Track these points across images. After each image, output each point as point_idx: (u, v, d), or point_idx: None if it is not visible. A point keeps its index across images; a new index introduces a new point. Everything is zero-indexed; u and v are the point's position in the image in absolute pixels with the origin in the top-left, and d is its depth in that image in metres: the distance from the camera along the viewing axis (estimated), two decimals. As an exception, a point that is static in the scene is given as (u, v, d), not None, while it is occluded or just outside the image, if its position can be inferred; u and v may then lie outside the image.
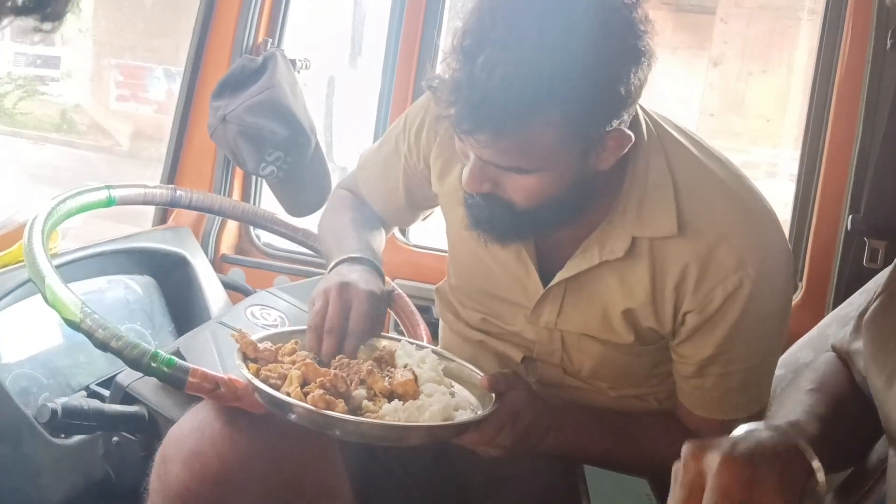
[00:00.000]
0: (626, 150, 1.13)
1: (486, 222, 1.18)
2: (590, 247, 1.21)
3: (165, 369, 1.22)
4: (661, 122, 1.24)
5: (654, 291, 1.20)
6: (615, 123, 1.09)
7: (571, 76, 1.01)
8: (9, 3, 0.51)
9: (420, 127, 1.38)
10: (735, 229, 1.17)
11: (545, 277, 1.26)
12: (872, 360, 0.93)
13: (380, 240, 1.47)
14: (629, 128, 1.12)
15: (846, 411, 0.98)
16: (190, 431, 1.22)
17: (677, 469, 0.81)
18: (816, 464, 0.82)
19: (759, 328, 1.21)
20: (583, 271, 1.22)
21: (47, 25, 0.54)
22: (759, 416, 1.24)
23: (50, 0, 0.54)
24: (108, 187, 1.63)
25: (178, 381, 1.22)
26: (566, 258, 1.24)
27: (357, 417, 1.06)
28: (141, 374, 1.37)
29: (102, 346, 1.25)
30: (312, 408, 1.04)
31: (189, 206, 1.85)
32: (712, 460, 0.77)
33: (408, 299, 1.56)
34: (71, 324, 1.27)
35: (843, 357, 1.06)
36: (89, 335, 1.26)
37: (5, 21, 0.53)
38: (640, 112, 1.19)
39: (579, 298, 1.25)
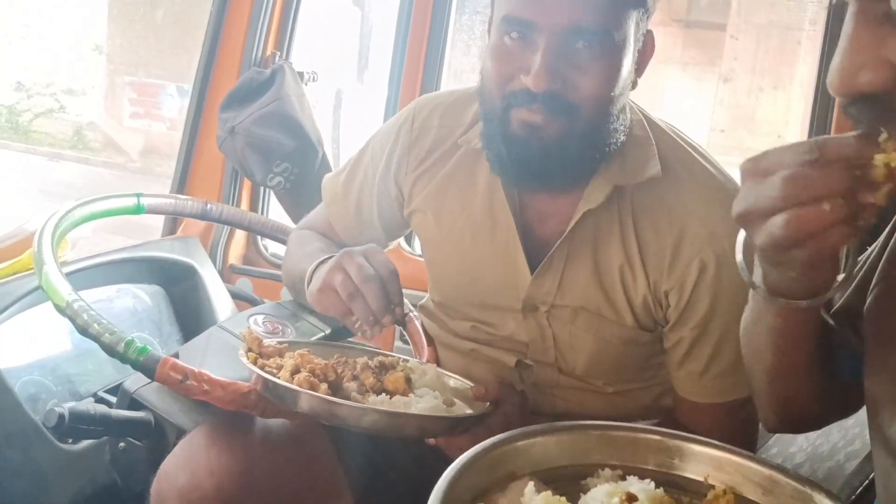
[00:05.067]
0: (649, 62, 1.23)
1: (532, 153, 1.18)
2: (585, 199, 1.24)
3: (138, 357, 1.24)
4: (643, 110, 1.30)
5: (642, 252, 1.23)
6: (649, 19, 1.19)
7: None
8: None
9: (392, 149, 1.39)
10: (705, 204, 1.21)
11: (533, 268, 1.28)
12: (874, 357, 0.89)
13: None
14: None
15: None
16: (184, 464, 1.23)
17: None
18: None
19: (742, 306, 1.22)
20: (582, 231, 1.24)
21: None
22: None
23: None
24: (137, 195, 1.67)
25: (148, 370, 1.24)
26: (553, 239, 1.26)
27: (338, 399, 1.07)
28: (148, 381, 1.39)
29: (83, 330, 1.27)
30: (293, 386, 1.07)
31: (219, 220, 1.89)
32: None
33: (419, 324, 1.57)
34: (58, 308, 1.30)
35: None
36: (72, 319, 1.29)
37: None
38: None
39: (579, 263, 1.25)
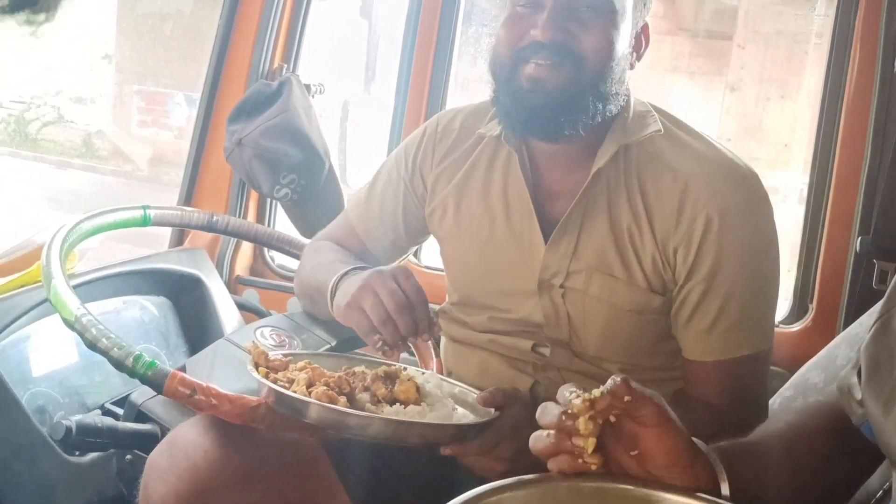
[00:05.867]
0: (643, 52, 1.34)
1: (537, 103, 1.26)
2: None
3: (146, 372, 1.25)
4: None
5: (648, 212, 1.29)
6: (647, 15, 1.32)
7: None
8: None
9: (417, 150, 1.47)
10: (706, 166, 1.29)
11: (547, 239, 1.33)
12: (867, 387, 0.93)
13: None
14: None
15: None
16: (164, 449, 1.26)
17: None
18: (720, 468, 0.88)
19: (747, 261, 1.28)
20: (594, 193, 1.31)
21: (41, 17, 0.54)
22: (762, 356, 1.29)
23: None
24: (144, 207, 1.69)
25: (157, 385, 1.25)
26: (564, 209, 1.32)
27: (357, 411, 1.09)
28: (154, 394, 1.40)
29: (91, 345, 1.29)
30: (311, 399, 1.08)
31: (225, 232, 1.90)
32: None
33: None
34: (67, 322, 1.31)
35: (843, 393, 1.02)
36: (81, 334, 1.30)
37: None
38: None
39: (595, 223, 1.31)
